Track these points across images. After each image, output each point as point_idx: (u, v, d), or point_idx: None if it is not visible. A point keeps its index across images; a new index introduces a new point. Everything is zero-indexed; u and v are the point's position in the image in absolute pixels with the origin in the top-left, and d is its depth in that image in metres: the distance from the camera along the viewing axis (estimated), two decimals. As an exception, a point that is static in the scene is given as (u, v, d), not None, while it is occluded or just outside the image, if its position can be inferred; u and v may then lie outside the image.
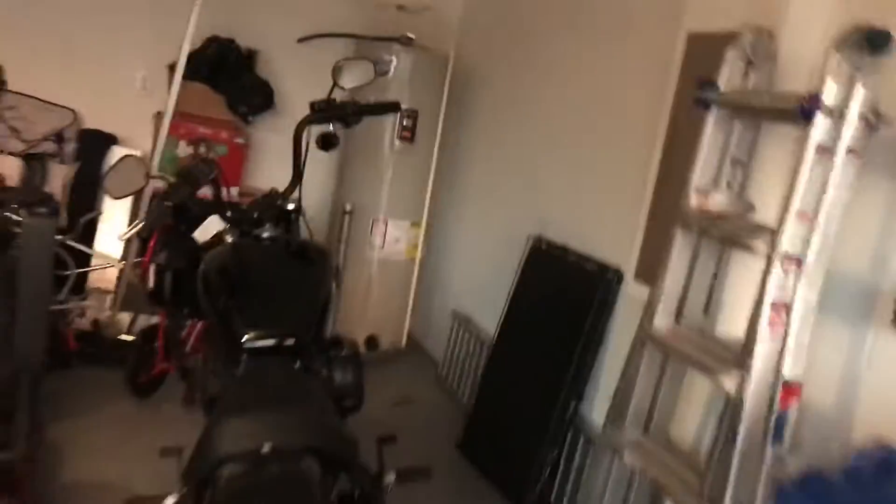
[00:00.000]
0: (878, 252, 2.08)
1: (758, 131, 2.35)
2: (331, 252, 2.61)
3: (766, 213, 2.34)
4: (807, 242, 1.98)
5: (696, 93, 2.38)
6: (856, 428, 2.10)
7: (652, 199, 2.83)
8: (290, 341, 2.13)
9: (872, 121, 1.95)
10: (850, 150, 1.96)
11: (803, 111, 1.95)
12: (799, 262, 1.99)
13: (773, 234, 1.99)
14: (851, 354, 2.13)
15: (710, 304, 2.43)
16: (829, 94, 1.93)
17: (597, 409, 3.11)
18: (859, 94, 1.94)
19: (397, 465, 2.23)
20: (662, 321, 2.36)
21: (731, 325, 2.42)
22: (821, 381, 2.10)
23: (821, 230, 1.98)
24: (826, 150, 1.96)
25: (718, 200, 2.22)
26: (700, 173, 2.31)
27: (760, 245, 2.03)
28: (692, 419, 2.47)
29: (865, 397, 2.09)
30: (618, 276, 3.08)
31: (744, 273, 2.39)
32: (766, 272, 1.99)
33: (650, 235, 2.82)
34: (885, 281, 2.06)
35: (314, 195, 4.05)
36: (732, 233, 2.14)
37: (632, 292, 2.93)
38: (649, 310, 2.38)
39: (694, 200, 2.25)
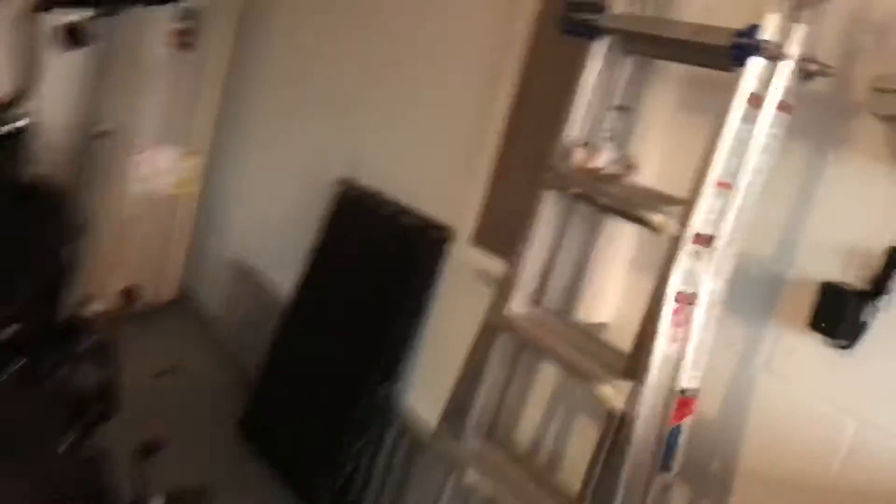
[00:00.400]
0: (789, 233, 1.71)
1: (646, 72, 1.89)
2: (72, 194, 1.86)
3: (648, 173, 1.91)
4: (721, 218, 1.55)
5: (572, 15, 1.87)
6: (745, 447, 1.75)
7: (500, 149, 2.32)
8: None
9: (811, 68, 1.54)
10: (780, 105, 1.54)
11: (736, 50, 1.49)
12: (709, 242, 1.56)
13: (685, 206, 1.54)
14: (746, 356, 1.76)
15: (577, 285, 1.97)
16: (767, 30, 1.49)
17: (416, 396, 2.61)
18: (799, 33, 1.51)
19: (162, 467, 1.66)
20: (521, 304, 1.87)
21: (600, 310, 1.99)
22: (708, 387, 1.71)
23: (739, 203, 1.56)
24: (755, 103, 1.52)
25: (606, 158, 1.74)
26: (578, 122, 1.81)
27: (662, 219, 1.58)
28: (547, 426, 2.03)
29: (759, 409, 1.73)
30: (447, 237, 2.56)
31: (619, 248, 1.96)
32: (672, 256, 1.54)
33: (497, 193, 2.32)
34: (794, 269, 1.69)
35: (53, 111, 3.16)
36: (624, 201, 1.67)
37: (467, 258, 2.42)
38: (505, 289, 1.88)
39: (574, 156, 1.76)
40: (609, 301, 2.01)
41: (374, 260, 2.82)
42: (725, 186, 1.53)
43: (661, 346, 1.55)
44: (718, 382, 1.77)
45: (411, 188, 2.76)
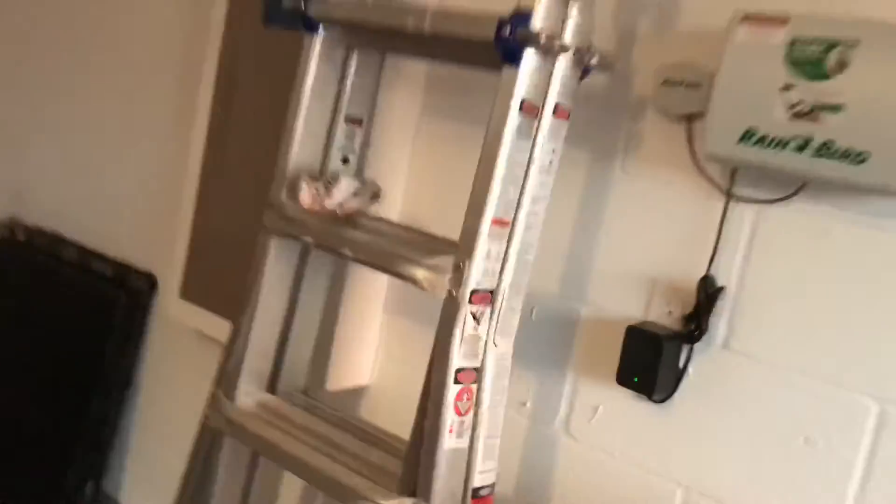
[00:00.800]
0: (579, 266, 1.38)
1: (386, 72, 1.47)
2: None
3: (395, 202, 1.51)
4: (501, 265, 1.18)
5: (276, 3, 1.43)
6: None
7: (206, 172, 1.80)
8: None
9: (589, 61, 1.20)
10: (557, 110, 1.19)
11: (506, 43, 1.11)
12: (489, 298, 1.18)
13: (456, 257, 1.14)
14: (541, 416, 1.43)
15: (324, 349, 1.53)
16: (541, 16, 1.12)
17: (136, 492, 2.05)
18: (573, 18, 1.16)
19: None
20: (250, 393, 1.39)
21: (356, 373, 1.57)
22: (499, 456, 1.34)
23: (520, 242, 1.19)
24: (529, 111, 1.15)
25: (343, 192, 1.30)
26: (301, 141, 1.35)
27: (429, 276, 1.17)
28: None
29: (563, 480, 1.40)
30: (149, 288, 2.00)
31: (371, 293, 1.55)
32: (449, 327, 1.14)
33: (209, 232, 1.81)
34: (589, 309, 1.37)
35: None
36: (375, 250, 1.24)
37: (178, 315, 1.89)
38: (227, 376, 1.39)
39: (302, 194, 1.29)
40: (365, 360, 1.60)
41: (56, 321, 2.18)
42: (502, 224, 1.15)
43: (446, 447, 1.15)
44: (510, 450, 1.42)
45: (98, 227, 2.15)
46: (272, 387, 1.44)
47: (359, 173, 1.43)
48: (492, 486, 1.23)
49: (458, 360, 1.14)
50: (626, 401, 1.31)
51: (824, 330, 1.16)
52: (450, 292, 1.14)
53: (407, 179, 1.50)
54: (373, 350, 1.59)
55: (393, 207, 1.46)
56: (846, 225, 1.14)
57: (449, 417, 1.14)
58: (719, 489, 1.24)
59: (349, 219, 1.31)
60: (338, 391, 1.54)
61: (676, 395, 1.27)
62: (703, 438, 1.26)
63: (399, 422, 1.30)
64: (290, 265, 1.41)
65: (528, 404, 1.44)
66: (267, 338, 1.41)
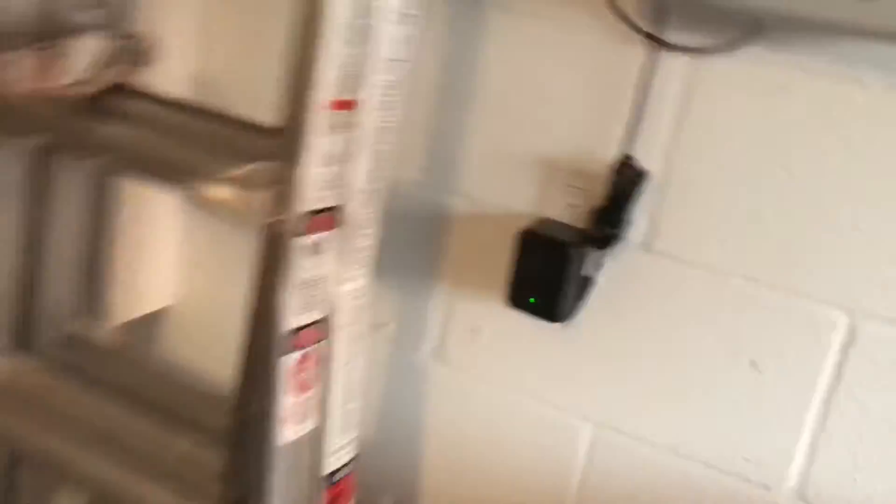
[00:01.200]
0: (438, 136, 1.01)
1: None
2: None
3: (173, 63, 1.04)
4: (346, 166, 0.79)
5: None
6: (427, 472, 1.13)
7: None
8: None
9: None
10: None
11: None
12: (334, 220, 0.79)
13: (284, 166, 0.73)
14: (406, 339, 1.10)
15: (94, 284, 1.09)
16: None
17: None
18: None
19: None
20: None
21: (152, 295, 1.16)
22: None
23: (374, 130, 0.79)
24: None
25: (88, 59, 0.82)
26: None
27: (236, 197, 0.76)
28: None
29: (437, 416, 1.11)
30: None
31: (155, 196, 1.12)
32: (274, 270, 0.75)
33: None
34: (463, 203, 1.02)
35: None
36: (145, 158, 0.80)
37: None
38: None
39: (16, 71, 0.81)
40: (161, 275, 1.18)
41: None
42: (345, 106, 0.75)
43: (283, 441, 0.79)
44: (369, 381, 1.09)
45: None
46: (24, 340, 1.00)
47: (113, 22, 0.95)
48: (351, 461, 0.90)
49: (292, 318, 0.76)
50: (517, 318, 1.00)
51: (777, 222, 0.87)
52: (270, 222, 0.74)
53: (199, 26, 1.04)
54: (170, 262, 1.18)
55: (176, 71, 1.00)
56: (811, 77, 0.83)
57: (285, 402, 0.78)
58: (638, 425, 0.98)
59: (101, 100, 0.84)
60: (124, 325, 1.13)
61: (583, 310, 0.97)
62: (617, 364, 0.98)
63: (213, 351, 0.93)
64: (22, 168, 0.94)
65: (391, 325, 1.10)
66: (2, 274, 0.96)
